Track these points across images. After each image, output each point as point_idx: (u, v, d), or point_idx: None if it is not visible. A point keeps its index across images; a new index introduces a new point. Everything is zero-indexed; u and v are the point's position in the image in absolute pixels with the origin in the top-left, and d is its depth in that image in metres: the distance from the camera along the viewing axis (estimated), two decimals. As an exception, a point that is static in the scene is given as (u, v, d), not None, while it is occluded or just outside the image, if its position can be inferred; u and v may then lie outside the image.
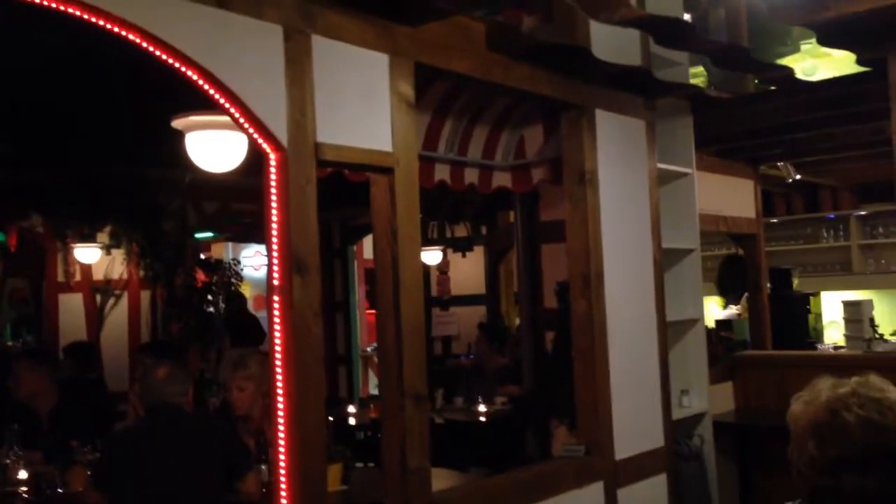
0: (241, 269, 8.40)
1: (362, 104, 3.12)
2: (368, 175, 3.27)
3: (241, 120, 2.81)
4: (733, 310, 8.09)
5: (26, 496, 4.03)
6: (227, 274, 7.88)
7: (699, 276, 5.15)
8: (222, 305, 7.66)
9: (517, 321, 7.39)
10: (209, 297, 7.66)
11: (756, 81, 5.25)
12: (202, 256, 7.97)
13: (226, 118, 3.38)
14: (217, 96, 2.75)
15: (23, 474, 4.12)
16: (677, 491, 4.55)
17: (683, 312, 4.98)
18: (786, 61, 4.81)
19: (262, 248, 10.72)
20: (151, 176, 7.21)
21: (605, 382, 4.15)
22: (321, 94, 2.95)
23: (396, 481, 3.10)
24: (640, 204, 4.59)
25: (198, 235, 7.94)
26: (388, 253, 3.18)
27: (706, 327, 5.52)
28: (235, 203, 7.96)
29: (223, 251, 9.68)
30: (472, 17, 3.53)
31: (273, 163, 2.85)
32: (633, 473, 4.29)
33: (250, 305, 10.17)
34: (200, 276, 7.75)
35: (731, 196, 6.51)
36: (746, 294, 7.05)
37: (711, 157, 6.16)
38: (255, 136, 2.84)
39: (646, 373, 4.52)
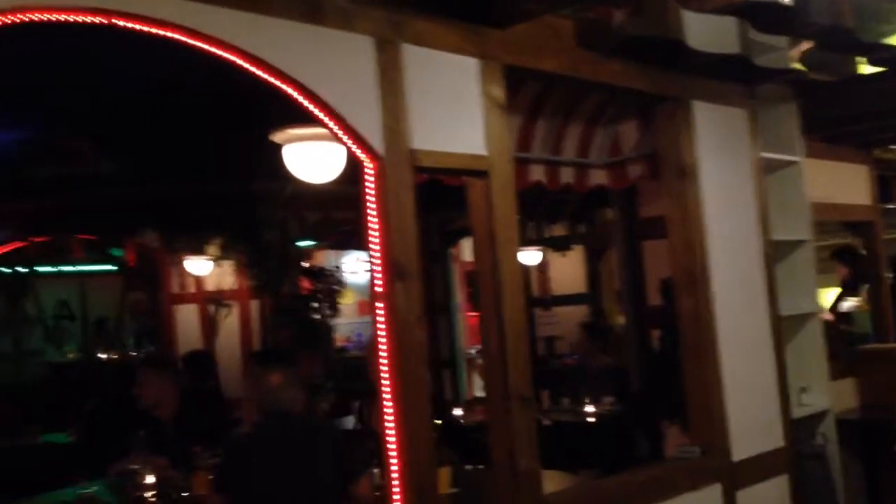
0: (345, 277, 8.58)
1: (455, 109, 3.14)
2: (464, 179, 3.29)
3: (338, 131, 2.88)
4: (852, 302, 7.74)
5: (154, 500, 4.22)
6: (329, 281, 8.06)
7: (813, 267, 4.94)
8: (328, 312, 7.84)
9: (620, 319, 7.28)
10: (314, 304, 7.85)
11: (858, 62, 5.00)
12: (305, 265, 8.17)
13: (323, 130, 3.47)
14: (314, 110, 2.83)
15: (150, 479, 4.32)
16: (800, 492, 4.39)
17: (798, 306, 4.79)
18: (891, 41, 4.57)
19: (362, 255, 10.93)
20: (255, 189, 7.47)
21: (716, 381, 4.04)
22: (414, 102, 2.99)
23: (506, 484, 3.11)
24: (746, 195, 4.45)
25: (300, 244, 8.16)
26: (488, 256, 3.20)
27: (824, 321, 5.29)
28: (335, 212, 8.16)
29: (325, 259, 9.90)
30: (561, 15, 3.51)
31: (370, 172, 2.91)
32: (753, 474, 4.15)
33: (353, 311, 10.39)
34: (305, 283, 7.96)
35: (844, 182, 6.23)
36: (867, 285, 6.72)
37: (819, 144, 5.91)
38: (352, 146, 2.90)
39: (761, 370, 4.37)
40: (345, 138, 2.89)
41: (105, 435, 5.52)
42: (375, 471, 3.89)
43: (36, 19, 2.31)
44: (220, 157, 7.44)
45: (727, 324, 4.13)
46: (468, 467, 4.30)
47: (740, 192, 4.42)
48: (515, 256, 3.29)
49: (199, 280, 8.33)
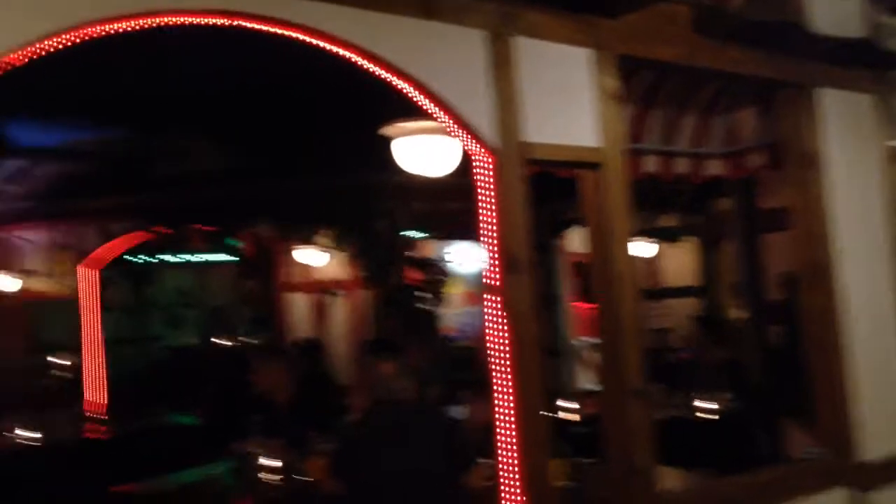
0: (451, 268, 8.64)
1: (567, 101, 3.13)
2: (576, 172, 3.26)
3: (452, 125, 2.91)
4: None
5: (271, 483, 4.38)
6: (437, 272, 8.14)
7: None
8: (434, 302, 7.92)
9: (735, 313, 7.06)
10: (421, 294, 7.95)
11: None
12: (413, 255, 8.27)
13: (434, 123, 3.50)
14: (428, 104, 2.86)
15: (267, 462, 4.47)
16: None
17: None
18: None
19: (468, 245, 10.96)
20: (364, 180, 7.61)
21: (843, 378, 3.87)
22: (526, 94, 2.99)
23: (621, 479, 3.08)
24: (873, 185, 4.24)
25: (408, 235, 8.26)
26: (601, 249, 3.17)
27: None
28: (443, 202, 8.20)
29: (432, 249, 9.98)
30: (676, 1, 3.43)
31: (483, 165, 2.92)
32: (887, 475, 3.97)
33: (460, 301, 10.44)
34: (412, 273, 8.06)
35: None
36: None
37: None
38: (465, 139, 2.92)
39: (892, 366, 4.16)
40: (458, 132, 2.92)
41: (225, 417, 5.76)
42: (486, 461, 3.92)
43: (165, 22, 2.43)
44: (331, 151, 7.62)
45: (855, 317, 3.95)
46: (579, 460, 4.27)
47: (868, 182, 4.22)
48: (629, 249, 3.24)
49: (310, 270, 8.55)
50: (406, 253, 8.02)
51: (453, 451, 3.73)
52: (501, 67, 2.93)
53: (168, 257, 11.04)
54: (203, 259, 11.49)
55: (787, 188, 3.96)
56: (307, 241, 8.21)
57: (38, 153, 8.79)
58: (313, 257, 8.21)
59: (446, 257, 8.77)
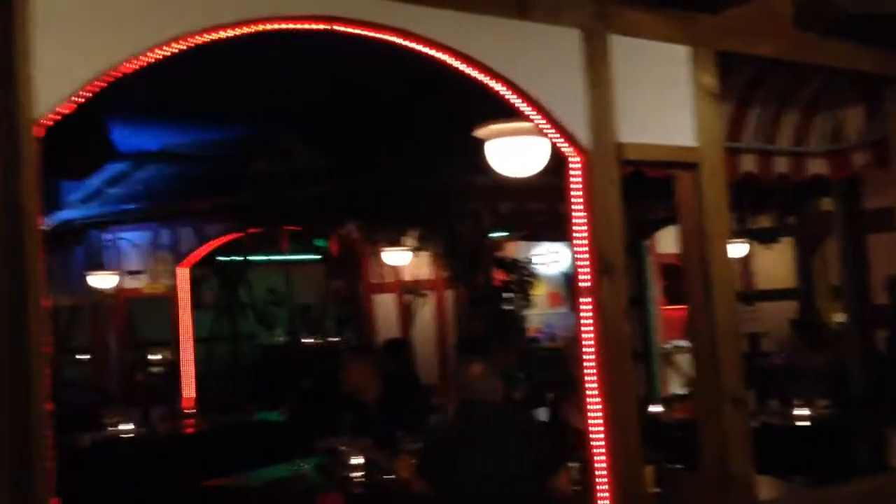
0: (537, 268, 8.59)
1: (663, 99, 3.07)
2: (669, 172, 3.20)
3: (544, 125, 2.88)
4: None
5: (359, 481, 4.43)
6: (522, 273, 8.10)
7: None
8: (520, 303, 7.89)
9: (835, 317, 6.80)
10: (507, 294, 7.93)
11: None
12: (498, 256, 8.26)
13: (526, 124, 3.49)
14: (520, 104, 2.85)
15: (356, 460, 4.53)
16: None
17: None
18: None
19: (553, 247, 10.89)
20: (450, 181, 7.65)
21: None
22: (621, 94, 2.94)
23: (716, 488, 3.00)
24: None
25: (493, 235, 8.25)
26: (697, 250, 3.10)
27: None
28: (528, 203, 8.17)
29: (516, 250, 9.95)
30: (778, -4, 3.32)
31: (576, 165, 2.89)
32: None
33: (544, 302, 10.38)
34: (498, 274, 8.04)
35: None
36: None
37: None
38: (558, 140, 2.90)
39: None
40: (550, 132, 2.89)
41: (313, 415, 5.85)
42: (574, 465, 3.88)
43: (267, 28, 2.48)
44: (418, 152, 7.67)
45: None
46: (669, 466, 4.18)
47: None
48: (726, 251, 3.16)
49: (396, 270, 8.62)
50: (492, 254, 8.02)
51: (542, 453, 3.70)
52: (596, 66, 2.89)
53: (258, 257, 11.31)
54: (291, 259, 11.72)
55: (894, 187, 3.79)
56: (394, 241, 8.29)
57: (139, 157, 9.15)
58: (399, 257, 8.28)
59: (532, 258, 8.72)
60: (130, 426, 6.86)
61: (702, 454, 3.08)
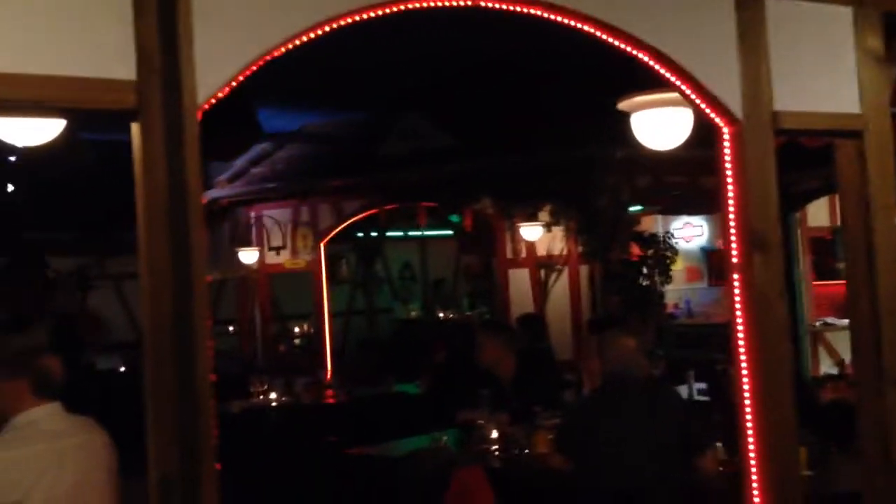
0: (675, 243, 8.36)
1: (823, 65, 2.89)
2: (828, 141, 3.02)
3: (693, 96, 2.78)
4: None
5: (497, 454, 4.47)
6: (661, 247, 7.90)
7: None
8: (658, 278, 7.71)
9: None
10: (644, 270, 7.76)
11: None
12: (635, 230, 8.08)
13: (670, 95, 3.37)
14: (667, 74, 2.75)
15: (494, 434, 4.58)
16: None
17: None
18: None
19: (692, 220, 10.56)
20: (586, 155, 7.53)
21: None
22: (777, 60, 2.79)
23: (878, 473, 2.84)
24: None
25: (630, 210, 8.08)
26: (859, 223, 2.92)
27: None
28: (667, 176, 7.96)
29: (653, 224, 9.72)
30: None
31: (727, 136, 2.78)
32: None
33: (682, 278, 10.09)
34: (635, 250, 7.87)
35: None
36: None
37: None
38: (707, 110, 2.79)
39: None
40: (699, 102, 2.78)
41: (449, 389, 5.94)
42: (720, 445, 3.77)
43: (409, 7, 2.50)
44: (555, 126, 7.59)
45: None
46: (822, 449, 4.00)
47: None
48: (892, 223, 2.96)
49: (530, 245, 8.59)
50: (629, 228, 7.85)
51: (687, 432, 3.60)
52: (751, 33, 2.76)
53: (393, 233, 11.54)
54: (426, 234, 11.89)
55: None
56: (528, 216, 8.25)
57: (280, 137, 9.50)
58: (534, 233, 8.24)
59: (670, 233, 8.48)
60: (275, 395, 7.18)
61: (861, 438, 2.92)
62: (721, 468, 3.67)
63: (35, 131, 2.72)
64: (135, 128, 2.22)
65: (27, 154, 7.70)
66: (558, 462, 3.90)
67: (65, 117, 2.52)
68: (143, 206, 2.24)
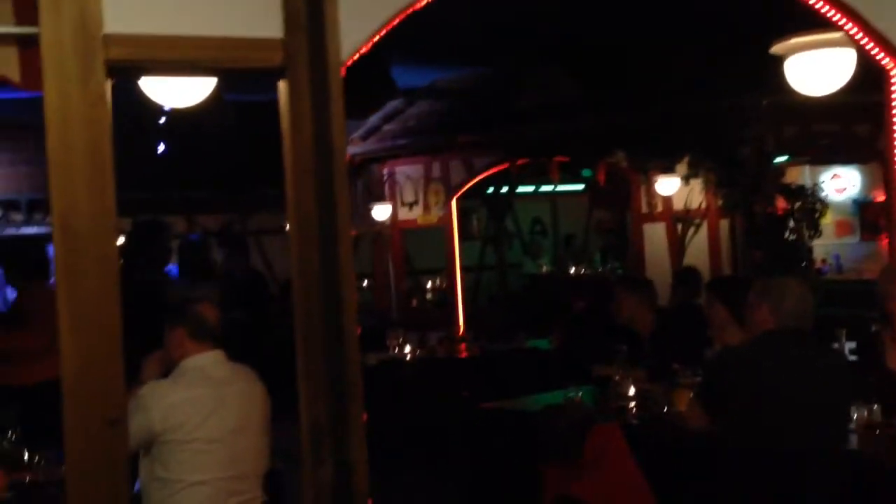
0: (825, 195, 7.91)
1: None
2: None
3: (858, 35, 2.58)
4: None
5: (634, 411, 4.40)
6: (809, 200, 7.49)
7: None
8: (806, 232, 7.33)
9: None
10: (791, 224, 7.39)
11: None
12: (781, 182, 7.69)
13: (832, 36, 3.14)
14: (830, 12, 2.56)
15: (631, 391, 4.50)
16: None
17: None
18: None
19: (843, 171, 9.96)
20: (728, 104, 7.20)
21: None
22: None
23: None
24: None
25: (776, 161, 7.69)
26: None
27: None
28: (815, 124, 7.53)
29: (800, 176, 9.22)
30: None
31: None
32: None
33: (832, 232, 9.56)
34: (780, 203, 7.50)
35: None
36: None
37: None
38: (874, 50, 2.58)
39: None
40: (864, 42, 2.59)
41: (583, 344, 5.88)
42: (876, 407, 3.56)
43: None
44: (691, 75, 7.29)
45: None
46: None
47: None
48: None
49: (666, 199, 8.34)
50: (774, 180, 7.47)
51: (845, 391, 3.38)
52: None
53: (524, 188, 11.46)
54: (557, 189, 11.75)
55: None
56: (664, 169, 7.99)
57: (412, 94, 9.56)
58: (670, 186, 7.98)
59: (819, 184, 8.02)
60: (409, 349, 7.33)
61: None
62: (877, 431, 3.47)
63: (185, 93, 2.83)
64: (282, 85, 2.27)
65: (175, 115, 8.08)
66: (698, 421, 3.70)
67: (215, 77, 2.60)
68: (290, 162, 2.29)
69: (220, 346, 3.15)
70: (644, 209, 8.66)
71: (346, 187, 2.35)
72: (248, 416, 3.12)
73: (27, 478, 3.13)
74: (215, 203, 11.60)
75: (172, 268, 6.10)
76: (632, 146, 7.97)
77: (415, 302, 10.85)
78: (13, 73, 2.13)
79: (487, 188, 10.70)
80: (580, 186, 11.73)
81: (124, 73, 2.24)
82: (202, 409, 2.99)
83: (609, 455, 4.02)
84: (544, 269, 11.96)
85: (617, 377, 4.58)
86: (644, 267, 8.48)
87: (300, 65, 2.21)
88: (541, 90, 8.61)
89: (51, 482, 3.24)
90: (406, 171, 10.19)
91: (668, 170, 7.89)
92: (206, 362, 3.09)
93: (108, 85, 2.10)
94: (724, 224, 7.91)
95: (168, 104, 2.86)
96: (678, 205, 8.24)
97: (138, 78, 2.60)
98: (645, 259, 8.63)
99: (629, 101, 7.78)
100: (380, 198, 10.15)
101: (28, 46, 2.06)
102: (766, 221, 7.24)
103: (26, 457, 3.30)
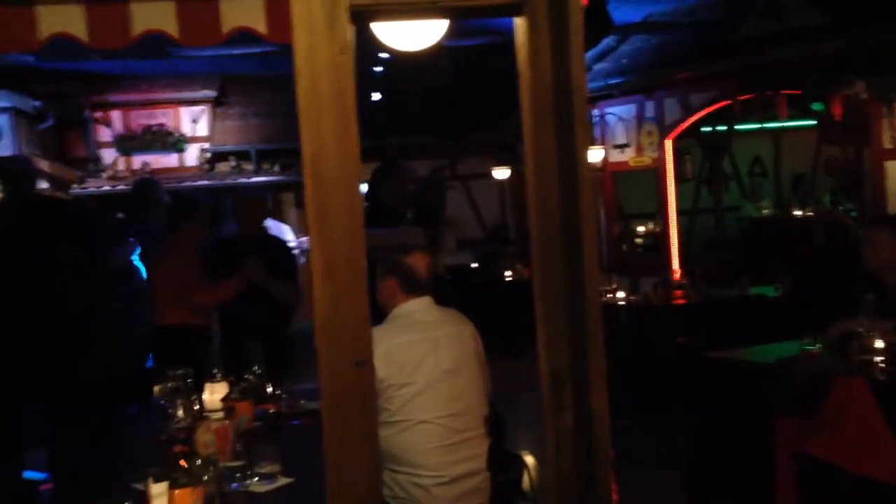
0: None
1: None
2: None
3: None
4: None
5: (882, 365, 4.04)
6: None
7: None
8: None
9: None
10: None
11: None
12: None
13: None
14: None
15: (878, 344, 4.12)
16: None
17: None
18: None
19: None
20: None
21: None
22: None
23: None
24: None
25: None
26: None
27: None
28: None
29: None
30: None
31: None
32: None
33: None
34: None
35: None
36: None
37: None
38: None
39: None
40: None
41: (815, 291, 5.47)
42: None
43: None
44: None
45: None
46: None
47: None
48: None
49: (916, 133, 7.50)
50: None
51: None
52: None
53: (744, 125, 10.77)
54: (781, 126, 10.95)
55: None
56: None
57: (624, 29, 9.19)
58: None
59: None
60: (623, 294, 7.17)
61: None
62: None
63: (419, 36, 2.83)
64: (519, 22, 2.20)
65: (390, 63, 8.26)
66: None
67: (451, 19, 2.57)
68: (528, 100, 2.22)
69: (429, 292, 3.27)
70: (887, 144, 7.85)
71: (587, 127, 2.26)
72: (461, 357, 3.21)
73: (271, 409, 3.33)
74: (425, 149, 11.89)
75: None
76: (875, 74, 7.21)
77: (625, 247, 10.60)
78: (260, 25, 2.19)
79: (702, 127, 10.16)
80: (811, 121, 10.84)
81: (366, 18, 2.25)
82: (417, 352, 3.10)
83: (853, 411, 3.79)
84: (765, 211, 11.25)
85: (860, 329, 4.22)
86: (886, 209, 7.72)
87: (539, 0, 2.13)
88: (771, 14, 7.94)
89: (292, 414, 3.49)
90: (617, 112, 9.87)
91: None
92: (416, 308, 3.22)
93: (352, 31, 2.11)
94: None
95: (402, 47, 2.88)
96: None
97: (374, 22, 2.61)
98: (887, 200, 7.85)
99: (873, 24, 7.00)
100: (590, 140, 9.94)
101: (273, -1, 2.11)
102: None
103: (269, 389, 3.52)
